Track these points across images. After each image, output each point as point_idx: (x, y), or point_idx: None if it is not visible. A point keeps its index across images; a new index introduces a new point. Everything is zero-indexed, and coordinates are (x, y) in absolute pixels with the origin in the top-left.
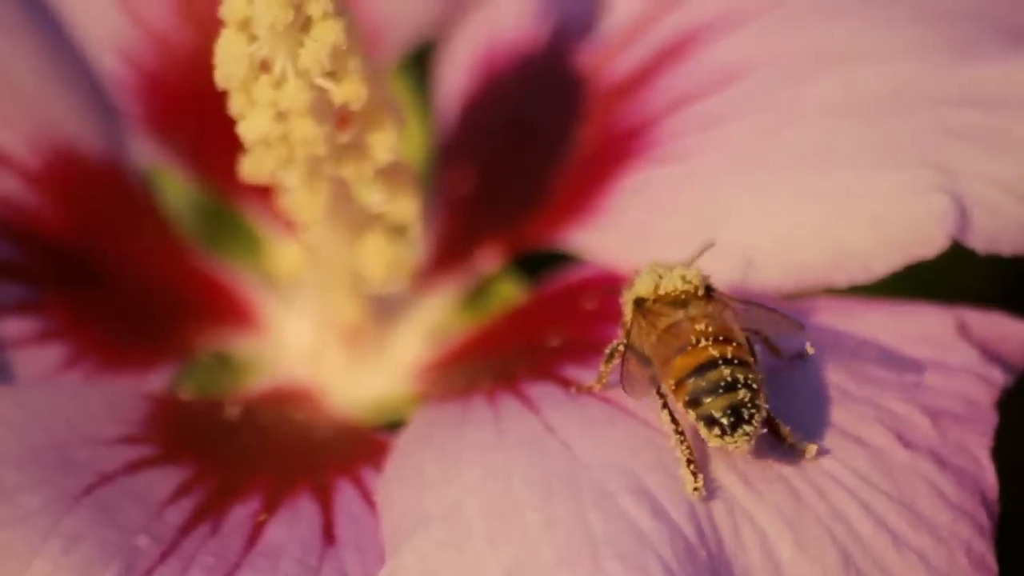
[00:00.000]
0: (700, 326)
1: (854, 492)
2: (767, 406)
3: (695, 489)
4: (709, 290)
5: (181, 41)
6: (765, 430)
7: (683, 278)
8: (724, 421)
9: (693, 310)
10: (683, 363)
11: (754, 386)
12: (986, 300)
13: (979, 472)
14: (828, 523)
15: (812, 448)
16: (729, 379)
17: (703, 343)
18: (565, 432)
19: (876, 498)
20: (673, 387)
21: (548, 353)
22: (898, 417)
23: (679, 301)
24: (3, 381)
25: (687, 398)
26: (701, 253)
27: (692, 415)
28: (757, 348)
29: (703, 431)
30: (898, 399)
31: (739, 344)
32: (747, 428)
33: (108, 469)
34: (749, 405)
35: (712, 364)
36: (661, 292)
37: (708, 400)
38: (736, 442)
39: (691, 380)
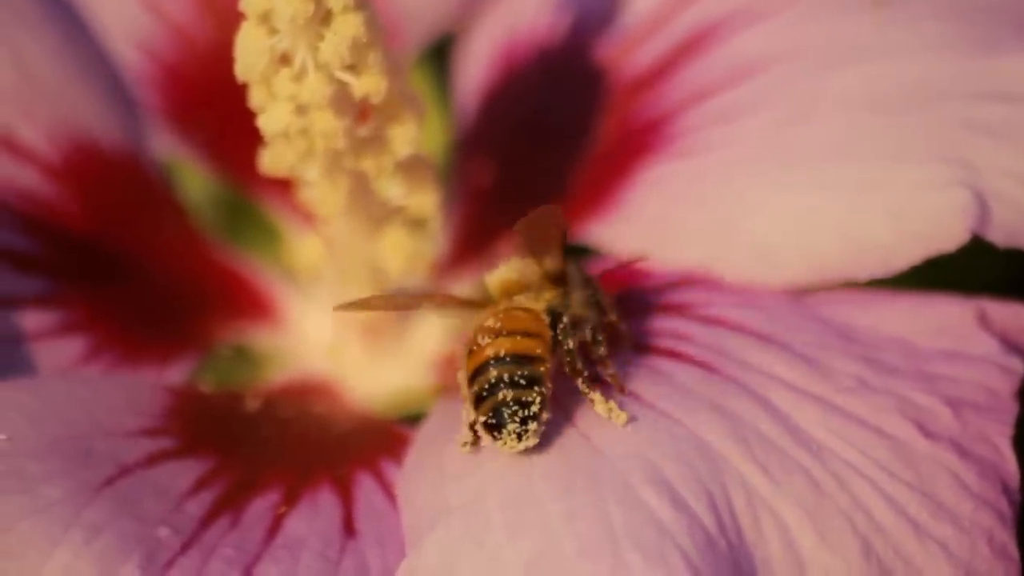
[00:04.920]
0: (489, 322)
1: (875, 482)
2: (540, 397)
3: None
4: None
5: (201, 34)
6: (540, 423)
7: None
8: (490, 423)
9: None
10: (468, 365)
11: (521, 382)
12: (1002, 291)
13: (1000, 461)
14: (849, 513)
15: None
16: (493, 380)
17: (485, 341)
18: (585, 424)
19: (897, 488)
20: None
21: None
22: (919, 407)
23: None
24: (24, 373)
25: (471, 403)
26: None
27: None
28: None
29: (485, 438)
30: (919, 389)
31: (526, 335)
32: (511, 427)
33: (128, 461)
34: (511, 404)
35: (484, 367)
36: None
37: (479, 406)
38: (506, 443)
39: (471, 386)
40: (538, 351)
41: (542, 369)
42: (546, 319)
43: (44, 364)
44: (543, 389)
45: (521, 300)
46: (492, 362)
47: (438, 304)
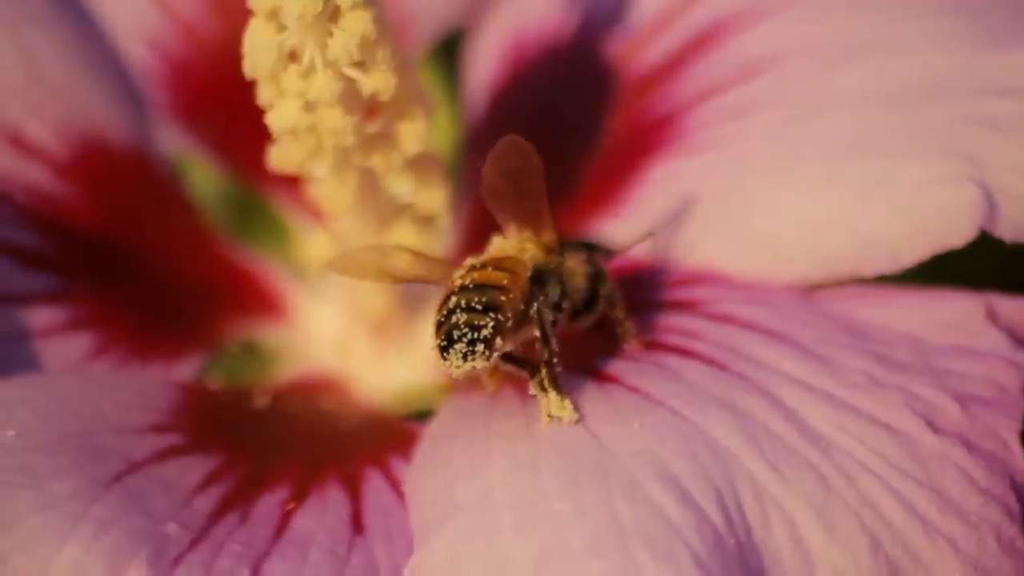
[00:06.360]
0: (469, 261)
1: (883, 478)
2: (493, 323)
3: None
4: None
5: (209, 30)
6: (491, 348)
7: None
8: (441, 345)
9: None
10: (440, 300)
11: (477, 307)
12: (1010, 286)
13: (1008, 456)
14: (857, 509)
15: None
16: (451, 306)
17: (459, 274)
18: (593, 421)
19: (905, 484)
20: None
21: (576, 342)
22: (927, 403)
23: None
24: (32, 370)
25: (433, 331)
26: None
27: None
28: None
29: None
30: (927, 385)
31: (498, 268)
32: (458, 347)
33: (137, 457)
34: (462, 326)
35: (448, 297)
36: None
37: (437, 332)
38: (452, 363)
39: (436, 315)
40: (504, 282)
41: (503, 298)
42: (528, 266)
43: (52, 360)
44: (499, 316)
45: (507, 250)
46: (456, 290)
47: (427, 265)
